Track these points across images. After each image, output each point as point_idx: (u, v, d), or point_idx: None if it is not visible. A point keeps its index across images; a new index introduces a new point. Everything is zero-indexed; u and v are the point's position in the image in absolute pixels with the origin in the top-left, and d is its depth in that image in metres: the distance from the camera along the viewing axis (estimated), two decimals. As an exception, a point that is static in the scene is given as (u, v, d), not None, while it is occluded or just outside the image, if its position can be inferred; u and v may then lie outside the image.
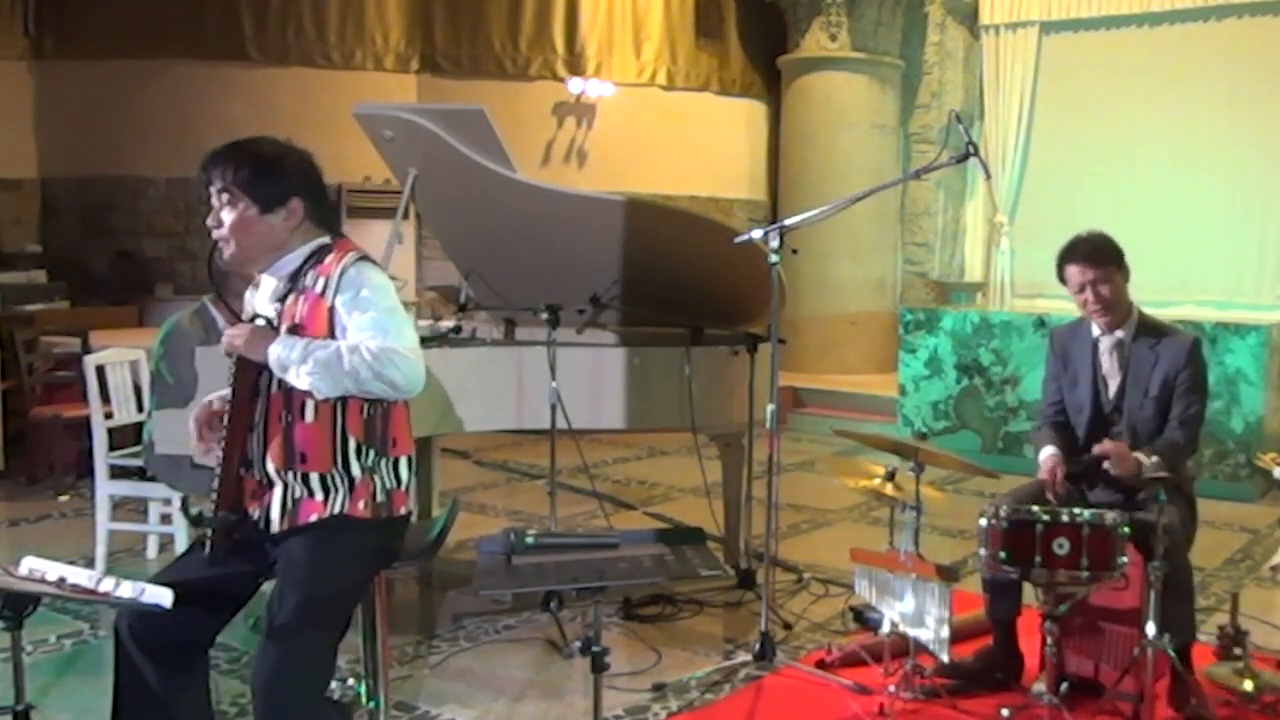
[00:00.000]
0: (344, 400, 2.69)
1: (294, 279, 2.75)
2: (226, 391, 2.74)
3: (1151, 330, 3.92)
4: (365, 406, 2.72)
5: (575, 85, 9.90)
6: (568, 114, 10.02)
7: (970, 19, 10.80)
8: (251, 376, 2.70)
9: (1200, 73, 9.61)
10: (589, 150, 10.10)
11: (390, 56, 9.57)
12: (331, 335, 2.68)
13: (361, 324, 2.65)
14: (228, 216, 2.70)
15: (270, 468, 2.70)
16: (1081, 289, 3.86)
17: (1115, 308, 3.88)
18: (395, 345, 2.64)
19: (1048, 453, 3.90)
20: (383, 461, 2.76)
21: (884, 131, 10.75)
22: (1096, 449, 3.74)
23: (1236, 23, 9.51)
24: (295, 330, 2.69)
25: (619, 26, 10.14)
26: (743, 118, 11.09)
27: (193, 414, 2.82)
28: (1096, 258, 3.84)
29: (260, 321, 2.70)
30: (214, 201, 2.72)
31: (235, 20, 9.18)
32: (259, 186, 2.69)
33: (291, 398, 2.69)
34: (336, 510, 2.69)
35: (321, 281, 2.71)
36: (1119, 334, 3.92)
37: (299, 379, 2.61)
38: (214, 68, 9.17)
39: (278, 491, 2.70)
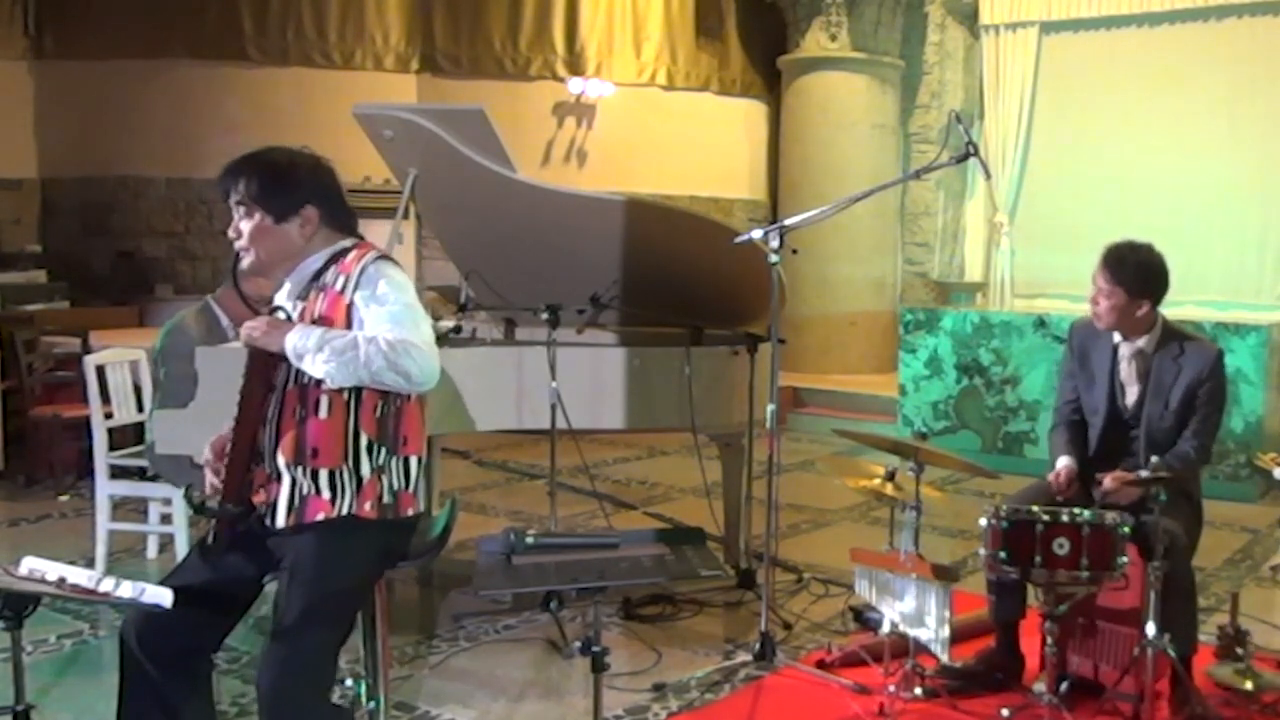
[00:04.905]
0: (358, 397, 2.72)
1: (316, 278, 2.80)
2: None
3: (1176, 340, 3.85)
4: (379, 404, 2.75)
5: (575, 85, 9.90)
6: (568, 114, 10.02)
7: (970, 19, 10.81)
8: (264, 370, 2.73)
9: (1200, 73, 9.61)
10: (589, 150, 10.10)
11: (390, 56, 9.57)
12: (349, 330, 2.72)
13: (379, 316, 2.70)
14: (245, 227, 2.77)
15: (280, 461, 2.71)
16: (1091, 285, 3.83)
17: (1114, 322, 3.81)
18: (411, 338, 2.68)
19: (1063, 463, 3.84)
20: (393, 460, 2.78)
21: (884, 131, 10.75)
22: (1102, 489, 3.68)
23: (1236, 23, 9.51)
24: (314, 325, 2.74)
25: (619, 26, 10.14)
26: (743, 118, 11.09)
27: (209, 443, 2.83)
28: (1112, 271, 3.77)
29: (280, 314, 2.75)
30: (233, 213, 2.80)
31: (235, 20, 9.17)
32: (270, 197, 2.74)
33: (307, 393, 2.71)
34: (344, 511, 2.70)
35: (341, 279, 2.76)
36: (1139, 343, 3.85)
37: (314, 366, 2.65)
38: (214, 68, 9.17)
39: (285, 486, 2.71)
